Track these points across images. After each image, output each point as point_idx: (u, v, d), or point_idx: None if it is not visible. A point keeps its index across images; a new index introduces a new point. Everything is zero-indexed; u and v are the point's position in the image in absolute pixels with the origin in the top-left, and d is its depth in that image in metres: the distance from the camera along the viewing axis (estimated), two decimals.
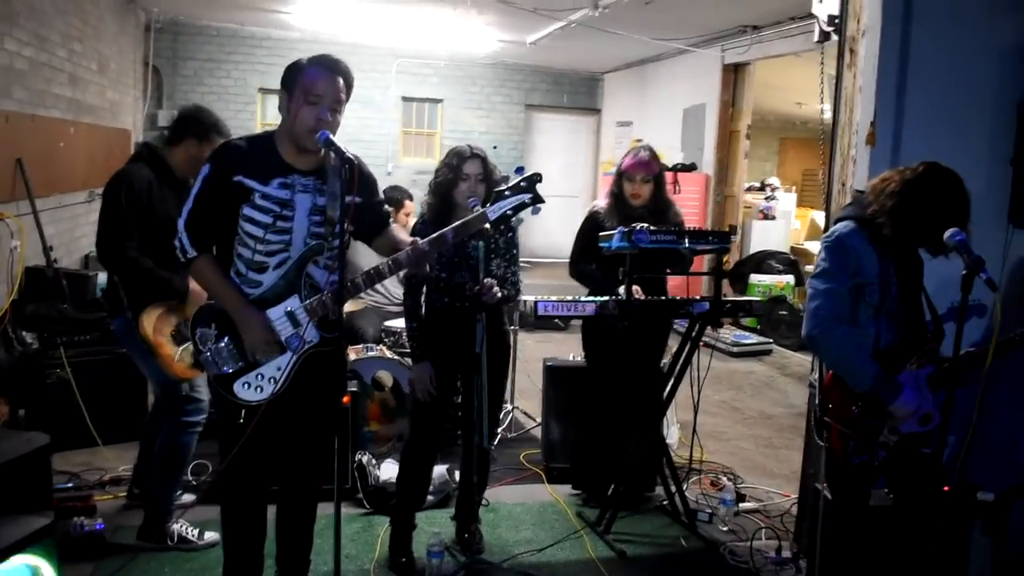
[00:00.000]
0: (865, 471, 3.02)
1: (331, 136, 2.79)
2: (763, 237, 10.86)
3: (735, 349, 8.99)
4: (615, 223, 4.15)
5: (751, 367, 8.61)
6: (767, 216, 11.24)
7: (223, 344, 2.93)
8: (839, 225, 3.04)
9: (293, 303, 2.93)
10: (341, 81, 2.90)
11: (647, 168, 4.35)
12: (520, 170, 3.13)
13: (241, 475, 3.06)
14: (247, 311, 2.89)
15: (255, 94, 12.34)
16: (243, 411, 2.94)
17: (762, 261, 10.49)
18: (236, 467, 3.01)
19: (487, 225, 3.04)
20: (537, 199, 3.08)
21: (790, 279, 10.15)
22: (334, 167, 2.87)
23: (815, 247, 11.06)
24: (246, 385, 2.94)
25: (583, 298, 4.04)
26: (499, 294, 3.58)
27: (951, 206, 2.83)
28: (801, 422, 6.32)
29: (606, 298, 3.99)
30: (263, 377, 2.94)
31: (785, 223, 11.49)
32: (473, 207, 3.38)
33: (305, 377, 2.99)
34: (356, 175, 2.81)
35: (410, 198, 6.48)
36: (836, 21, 3.83)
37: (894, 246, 2.95)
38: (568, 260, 4.61)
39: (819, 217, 11.72)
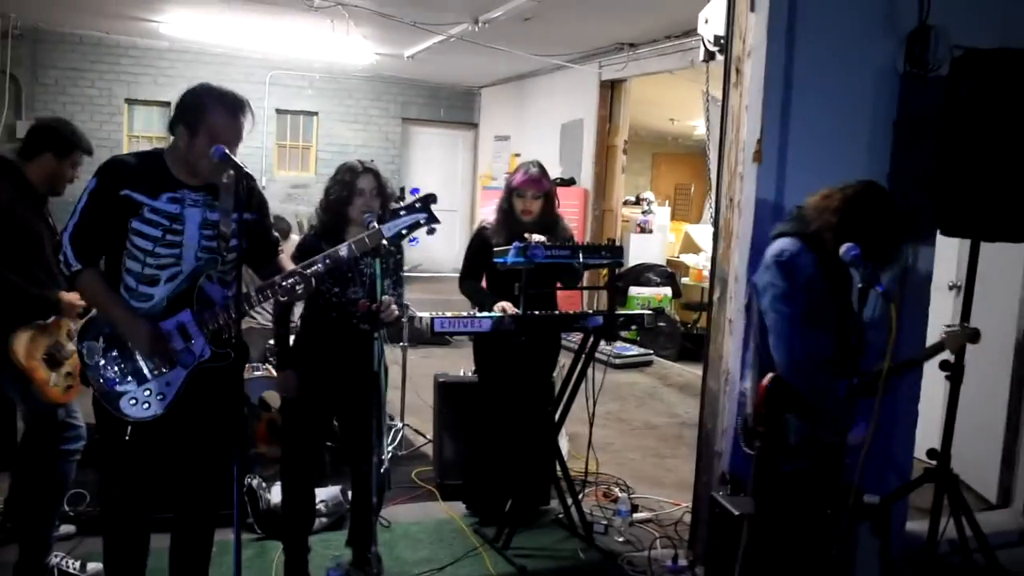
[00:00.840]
0: (794, 479, 3.11)
1: (227, 151, 2.73)
2: (641, 250, 11.06)
3: (617, 361, 9.09)
4: (503, 239, 4.17)
5: (634, 378, 8.77)
6: (644, 229, 11.45)
7: (110, 358, 2.84)
8: (785, 243, 3.09)
9: (184, 317, 2.85)
10: (248, 122, 2.89)
11: (538, 185, 4.38)
12: (416, 191, 3.15)
13: (124, 500, 2.93)
14: (135, 321, 2.81)
15: (122, 105, 11.88)
16: (128, 428, 2.84)
17: (641, 274, 10.67)
18: (120, 491, 2.89)
19: (384, 241, 3.06)
20: (432, 219, 3.12)
21: (667, 291, 10.38)
22: (227, 183, 2.82)
23: (691, 260, 11.41)
24: (133, 401, 2.84)
25: (479, 314, 4.04)
26: (396, 312, 3.54)
27: (889, 222, 2.97)
28: (686, 432, 6.48)
29: (501, 313, 4.01)
30: (151, 393, 2.85)
31: (661, 236, 11.75)
32: (369, 223, 3.34)
33: (197, 395, 2.90)
34: (252, 191, 2.88)
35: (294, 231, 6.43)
36: (722, 41, 3.94)
37: (833, 260, 3.02)
38: (457, 275, 4.60)
39: (693, 231, 12.02)
